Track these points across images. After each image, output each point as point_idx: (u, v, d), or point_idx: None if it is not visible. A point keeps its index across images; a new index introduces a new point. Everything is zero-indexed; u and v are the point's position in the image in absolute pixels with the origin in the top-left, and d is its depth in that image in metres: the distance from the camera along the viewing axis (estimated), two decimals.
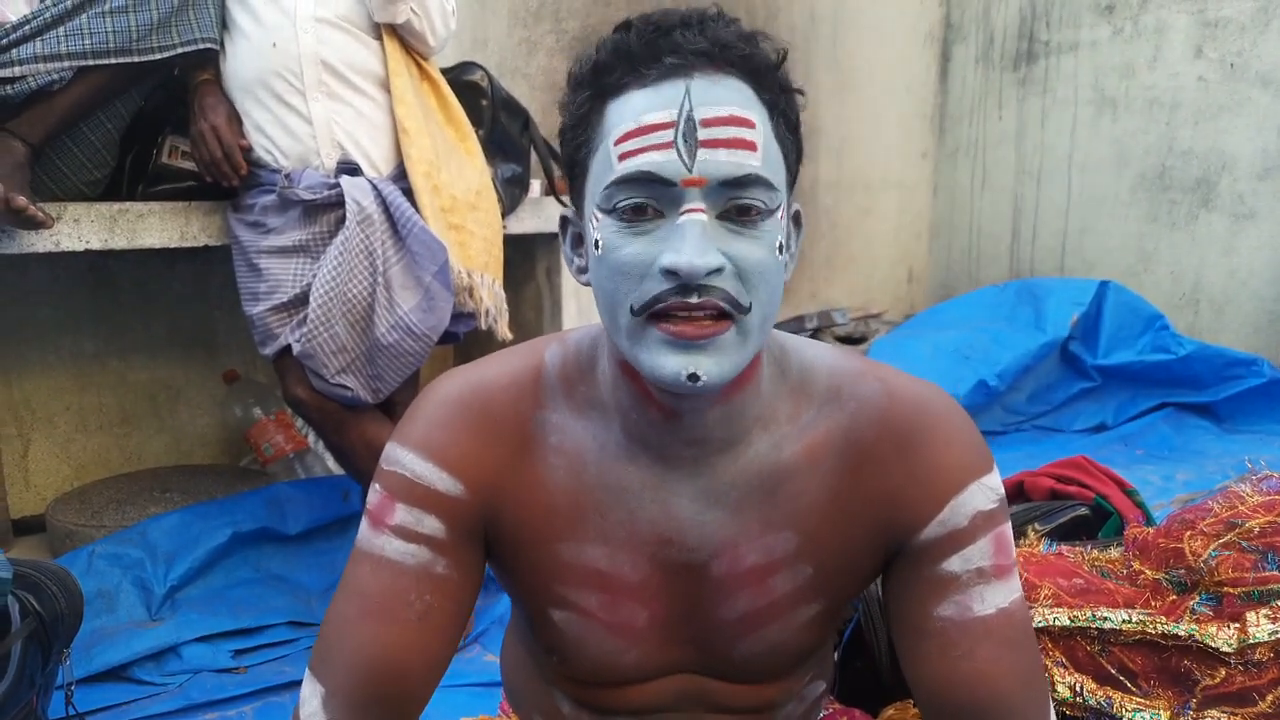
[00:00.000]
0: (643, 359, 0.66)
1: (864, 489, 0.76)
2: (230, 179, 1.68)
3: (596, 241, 0.67)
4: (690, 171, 0.63)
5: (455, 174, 1.81)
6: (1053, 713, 0.76)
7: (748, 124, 0.65)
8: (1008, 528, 0.76)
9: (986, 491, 0.75)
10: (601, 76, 0.68)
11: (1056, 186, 3.96)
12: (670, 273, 0.63)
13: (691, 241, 0.63)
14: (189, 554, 1.90)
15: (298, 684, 1.70)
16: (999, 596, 0.73)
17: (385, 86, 1.74)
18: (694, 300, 0.63)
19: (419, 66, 1.80)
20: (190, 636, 1.73)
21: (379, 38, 1.73)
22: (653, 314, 0.65)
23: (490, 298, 1.85)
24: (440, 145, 1.80)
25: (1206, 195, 3.51)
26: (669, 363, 0.65)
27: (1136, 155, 3.69)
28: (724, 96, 0.65)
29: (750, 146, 0.65)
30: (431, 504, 0.75)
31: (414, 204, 1.71)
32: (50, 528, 2.03)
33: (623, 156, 0.65)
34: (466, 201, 1.82)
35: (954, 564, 0.74)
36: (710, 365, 0.65)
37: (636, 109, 0.65)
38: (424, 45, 1.77)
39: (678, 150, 0.63)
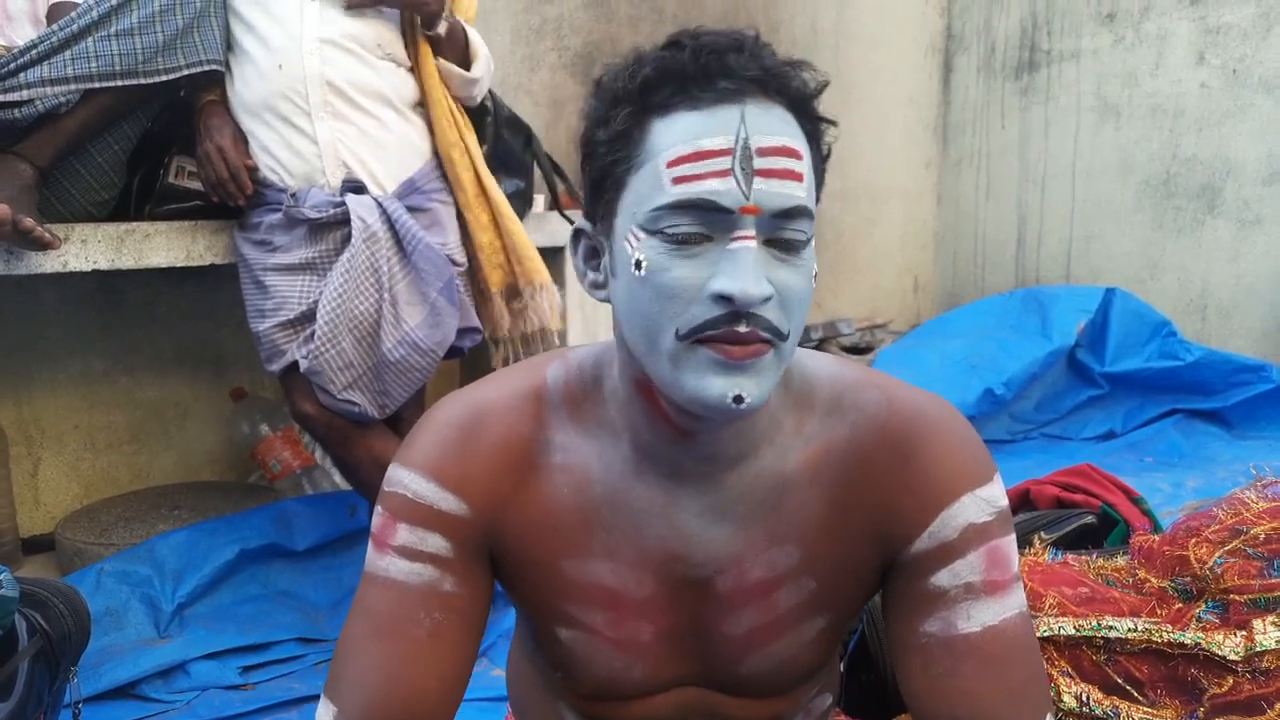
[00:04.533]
0: (687, 381, 0.65)
1: (863, 499, 0.75)
2: (236, 199, 1.69)
3: (639, 262, 0.66)
4: (748, 200, 0.63)
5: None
6: None
7: (797, 155, 0.65)
8: (1005, 542, 0.74)
9: (980, 504, 0.73)
10: (649, 94, 0.67)
11: (1061, 194, 3.95)
12: (723, 298, 0.63)
13: (746, 269, 0.63)
14: (197, 571, 1.91)
15: (306, 700, 1.71)
16: (988, 614, 0.72)
17: (390, 105, 1.76)
18: (743, 329, 0.63)
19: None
20: (198, 653, 1.74)
21: (384, 58, 1.75)
22: (699, 339, 0.65)
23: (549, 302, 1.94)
24: (481, 170, 1.87)
25: (1212, 201, 3.51)
26: (715, 385, 0.64)
27: (1141, 162, 3.68)
28: (776, 126, 0.65)
29: (798, 178, 0.65)
30: (435, 523, 0.75)
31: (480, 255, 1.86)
32: (59, 546, 2.04)
33: (678, 180, 0.64)
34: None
35: (942, 578, 0.73)
36: (752, 387, 0.65)
37: (691, 132, 0.64)
38: (471, 100, 1.88)
39: (736, 178, 0.63)
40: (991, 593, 0.72)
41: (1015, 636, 0.72)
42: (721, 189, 0.63)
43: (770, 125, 0.65)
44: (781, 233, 0.65)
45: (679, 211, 0.64)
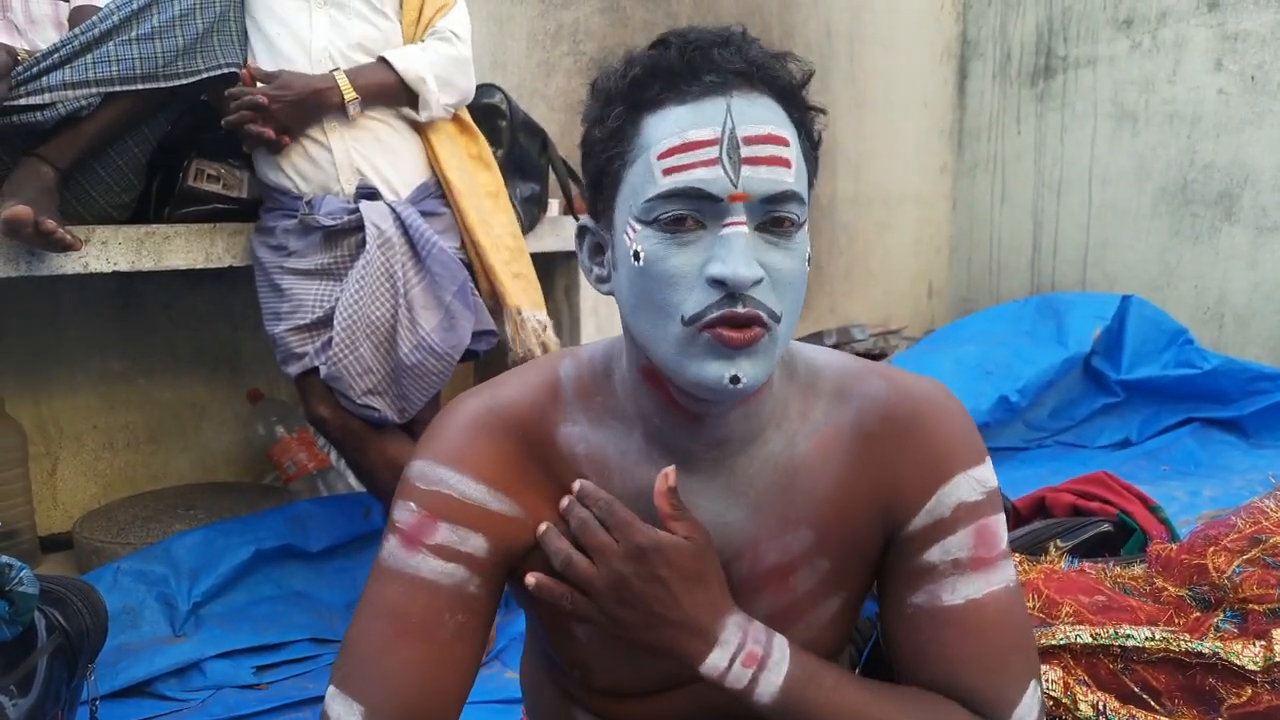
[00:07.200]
0: (689, 366, 0.68)
1: (868, 479, 0.79)
2: (258, 108, 1.61)
3: (637, 253, 0.69)
4: (736, 187, 0.66)
5: (504, 226, 1.88)
6: (1033, 700, 0.76)
7: (784, 142, 0.68)
8: (994, 520, 0.77)
9: (973, 483, 0.77)
10: (639, 91, 0.70)
11: (1077, 201, 3.94)
12: (718, 282, 0.66)
13: (737, 253, 0.65)
14: (212, 571, 1.92)
15: (320, 700, 1.71)
16: (971, 588, 0.75)
17: (402, 112, 1.77)
18: (741, 310, 0.66)
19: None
20: (213, 652, 1.75)
21: None
22: (704, 324, 0.67)
23: (538, 331, 1.91)
24: (483, 199, 1.85)
25: (1229, 208, 3.48)
26: (713, 369, 0.67)
27: (1157, 169, 3.66)
28: (762, 115, 0.68)
29: (786, 164, 0.68)
30: (482, 523, 0.76)
31: (475, 269, 1.83)
32: (77, 545, 2.06)
33: (668, 171, 0.67)
34: (518, 246, 1.90)
35: (934, 554, 0.76)
36: (750, 368, 0.67)
37: (679, 124, 0.67)
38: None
39: (723, 167, 0.66)
40: (977, 569, 0.76)
41: (997, 609, 0.76)
42: (709, 177, 0.66)
43: (756, 114, 0.67)
44: (772, 216, 0.68)
45: (670, 200, 0.67)
